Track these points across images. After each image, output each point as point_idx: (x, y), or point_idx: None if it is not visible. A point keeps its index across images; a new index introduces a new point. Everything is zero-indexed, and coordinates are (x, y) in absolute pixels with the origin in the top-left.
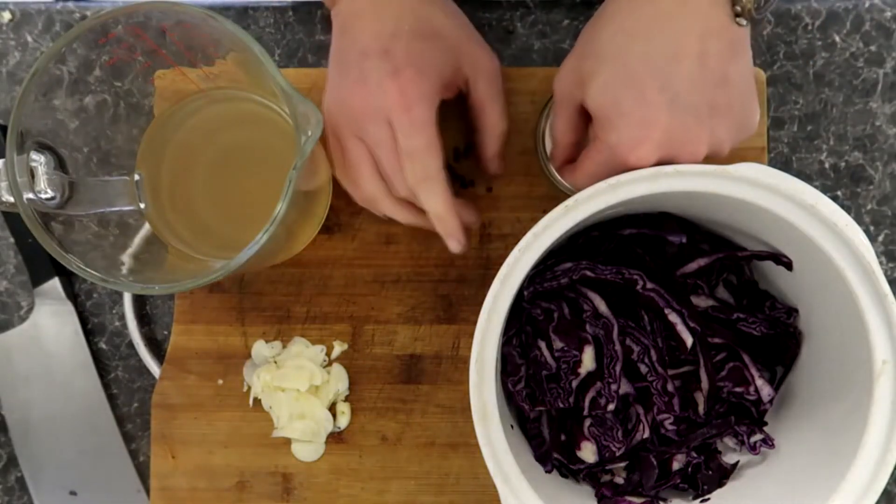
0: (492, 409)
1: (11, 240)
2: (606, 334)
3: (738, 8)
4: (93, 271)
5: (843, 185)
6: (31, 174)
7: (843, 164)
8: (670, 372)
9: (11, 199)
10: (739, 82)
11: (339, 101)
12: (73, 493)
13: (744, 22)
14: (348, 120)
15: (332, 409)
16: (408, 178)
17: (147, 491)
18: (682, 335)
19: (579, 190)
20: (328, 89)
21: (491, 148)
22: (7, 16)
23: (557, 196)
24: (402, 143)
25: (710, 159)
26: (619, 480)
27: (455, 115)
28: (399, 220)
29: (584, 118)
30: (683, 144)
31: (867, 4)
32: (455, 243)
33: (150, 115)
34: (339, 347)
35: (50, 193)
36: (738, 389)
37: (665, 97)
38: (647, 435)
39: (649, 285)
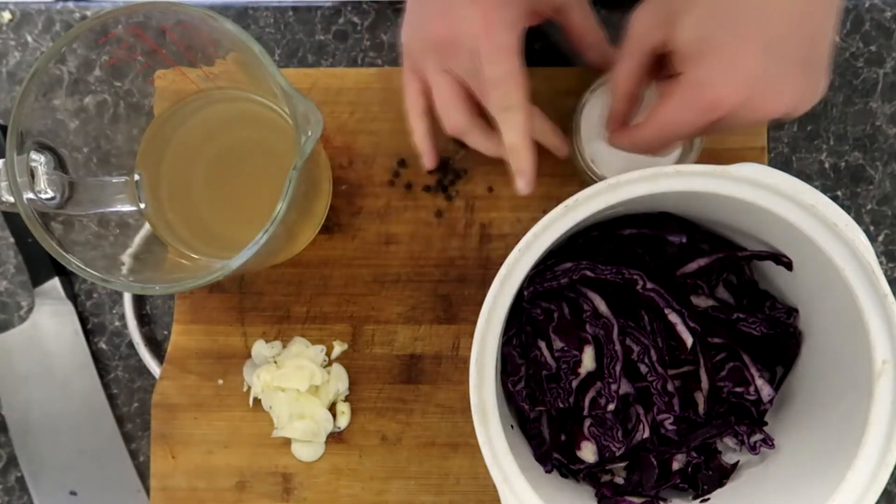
0: (492, 409)
1: (11, 240)
2: (606, 334)
3: None
4: (93, 271)
5: (843, 185)
6: (31, 174)
7: (843, 164)
8: (670, 372)
9: (11, 199)
10: (826, 34)
11: (422, 35)
12: (73, 493)
13: None
14: (433, 53)
15: (332, 409)
16: (490, 106)
17: (147, 491)
18: (682, 335)
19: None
20: (406, 23)
21: (597, 59)
22: (7, 16)
23: (558, 196)
24: (485, 70)
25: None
26: (619, 480)
27: None
28: (488, 153)
29: (653, 69)
30: (766, 95)
31: (867, 4)
32: (523, 183)
33: (150, 115)
34: (339, 347)
35: (50, 193)
36: (738, 389)
37: (761, 39)
38: (647, 435)
39: (649, 285)
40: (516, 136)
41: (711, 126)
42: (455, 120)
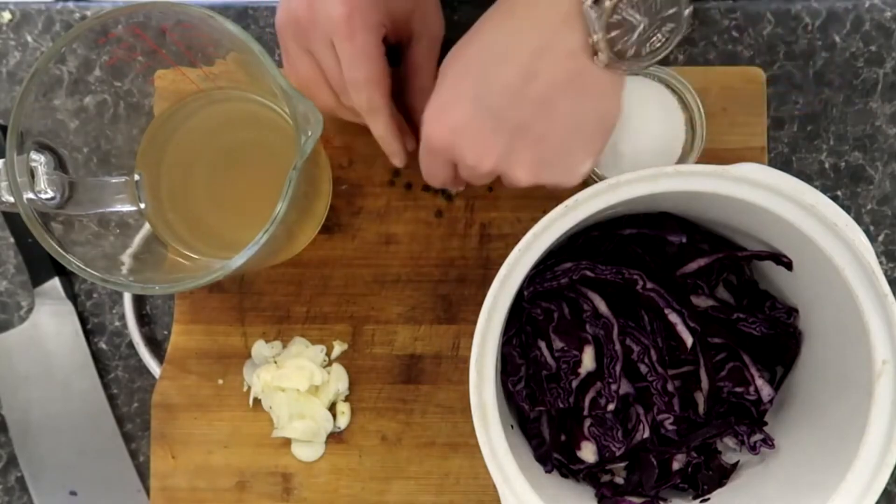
0: (492, 409)
1: (11, 240)
2: (606, 334)
3: (593, 39)
4: (93, 271)
5: (843, 185)
6: (31, 174)
7: (843, 164)
8: (670, 372)
9: (11, 199)
10: (568, 120)
11: (287, 13)
12: (73, 493)
13: (601, 61)
14: (296, 33)
15: (332, 409)
16: (353, 103)
17: (147, 491)
18: (682, 335)
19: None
20: (280, 1)
21: (421, 106)
22: (7, 16)
23: (558, 196)
24: (346, 72)
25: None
26: (619, 480)
27: None
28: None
29: None
30: (471, 144)
31: (867, 4)
32: (398, 161)
33: (150, 115)
34: (339, 347)
35: (50, 193)
36: (738, 389)
37: (473, 90)
38: (647, 435)
39: (649, 285)
40: (381, 130)
41: (465, 175)
42: (323, 100)
